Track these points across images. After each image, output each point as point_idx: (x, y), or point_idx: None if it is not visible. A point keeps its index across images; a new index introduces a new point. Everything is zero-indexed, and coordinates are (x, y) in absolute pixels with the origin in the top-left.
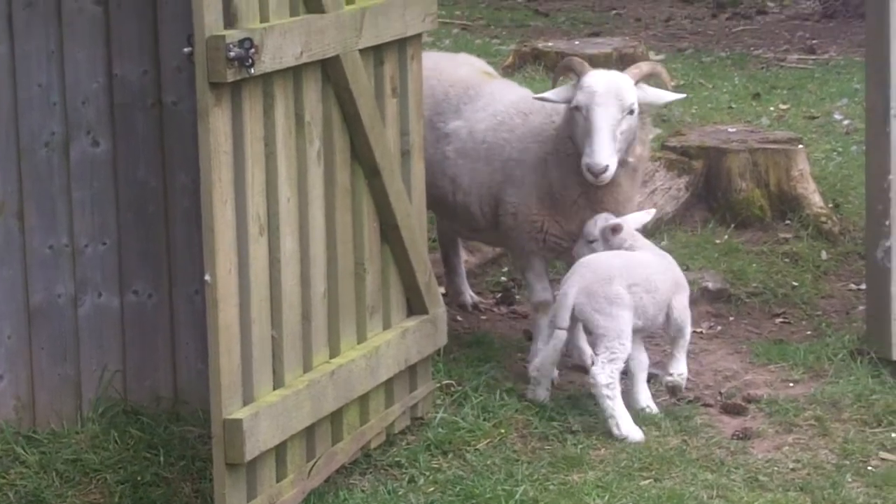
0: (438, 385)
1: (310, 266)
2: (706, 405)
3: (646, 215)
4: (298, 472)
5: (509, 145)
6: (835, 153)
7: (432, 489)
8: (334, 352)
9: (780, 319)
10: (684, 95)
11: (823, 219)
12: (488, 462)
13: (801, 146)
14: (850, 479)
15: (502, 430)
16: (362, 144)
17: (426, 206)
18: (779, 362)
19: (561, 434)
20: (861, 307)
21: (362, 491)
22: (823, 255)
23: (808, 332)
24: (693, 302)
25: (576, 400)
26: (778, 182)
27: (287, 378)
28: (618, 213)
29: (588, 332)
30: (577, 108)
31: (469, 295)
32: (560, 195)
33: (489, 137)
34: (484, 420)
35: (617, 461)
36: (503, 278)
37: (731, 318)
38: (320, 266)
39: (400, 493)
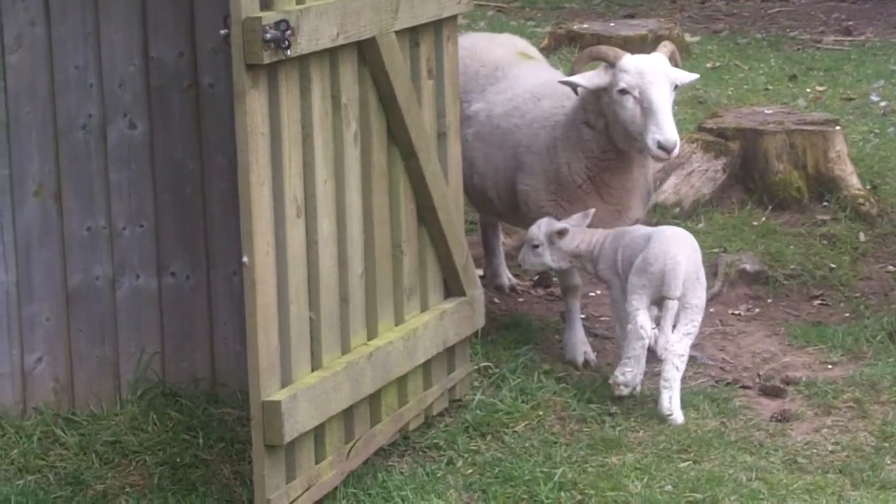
0: (476, 367)
1: (347, 247)
2: (744, 387)
3: (584, 217)
4: (337, 453)
5: (519, 131)
6: (872, 135)
7: (470, 471)
8: (372, 333)
9: (818, 301)
10: (697, 76)
11: (861, 200)
12: (526, 444)
13: (838, 128)
14: (888, 462)
15: (540, 412)
16: (398, 126)
17: None
18: (817, 344)
19: (599, 416)
20: None
21: (401, 473)
22: (861, 236)
23: (846, 314)
24: (731, 284)
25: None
26: (815, 163)
27: (325, 359)
28: (624, 200)
29: (662, 302)
30: (623, 91)
31: (507, 277)
32: (566, 180)
33: (503, 123)
34: (522, 402)
35: (655, 443)
36: None
37: (769, 301)
38: (357, 247)
39: (438, 474)
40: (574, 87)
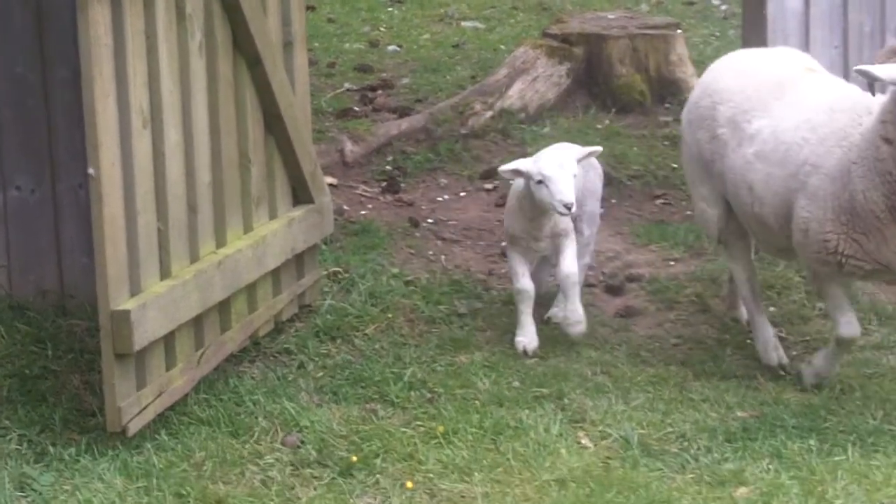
0: (326, 273)
1: (194, 157)
2: (589, 285)
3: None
4: (188, 361)
5: (808, 146)
6: (713, 38)
7: (321, 374)
8: (221, 242)
9: (661, 201)
10: None
11: None
12: (376, 346)
13: (679, 31)
14: (729, 353)
15: (390, 315)
16: (244, 35)
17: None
18: (659, 242)
19: (447, 317)
20: None
21: (252, 378)
22: None
23: (688, 213)
24: None
25: (460, 284)
26: (657, 67)
27: (174, 269)
28: None
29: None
30: None
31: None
32: (863, 210)
33: (788, 137)
34: (371, 306)
35: (503, 341)
36: (388, 167)
37: (613, 201)
38: (205, 158)
39: (290, 378)
40: (872, 78)
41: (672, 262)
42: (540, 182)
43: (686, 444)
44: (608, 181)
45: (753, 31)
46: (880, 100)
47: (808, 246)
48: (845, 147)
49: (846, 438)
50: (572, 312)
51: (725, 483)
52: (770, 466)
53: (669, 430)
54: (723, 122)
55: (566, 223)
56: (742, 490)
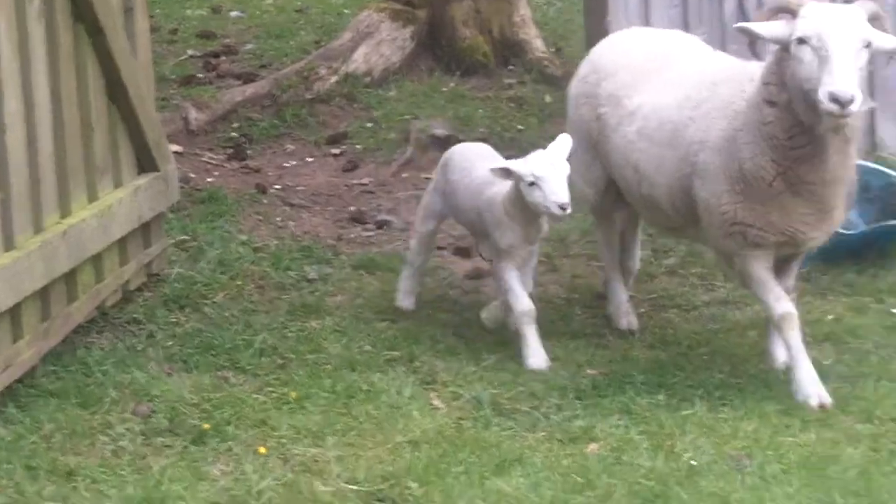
0: (173, 241)
1: (36, 127)
2: (439, 248)
3: None
4: (34, 332)
5: (694, 125)
6: None
7: (171, 343)
8: (65, 212)
9: None
10: None
11: (546, 63)
12: (226, 314)
13: None
14: (578, 312)
15: (239, 282)
16: (83, 3)
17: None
18: None
19: (297, 283)
20: None
21: (101, 349)
22: (547, 98)
23: None
24: (423, 149)
25: (309, 250)
26: (501, 29)
27: (18, 240)
28: (827, 197)
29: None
30: (801, 40)
31: (628, 320)
32: (753, 178)
33: (673, 116)
34: (220, 273)
35: (354, 306)
36: (233, 134)
37: None
38: (46, 127)
39: (139, 348)
40: (753, 36)
41: None
42: (532, 184)
43: (537, 402)
44: (455, 144)
45: None
46: (761, 66)
47: (713, 224)
48: (729, 116)
49: (694, 393)
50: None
51: (576, 440)
52: (620, 422)
53: (520, 389)
54: (604, 100)
55: (547, 225)
56: (593, 446)
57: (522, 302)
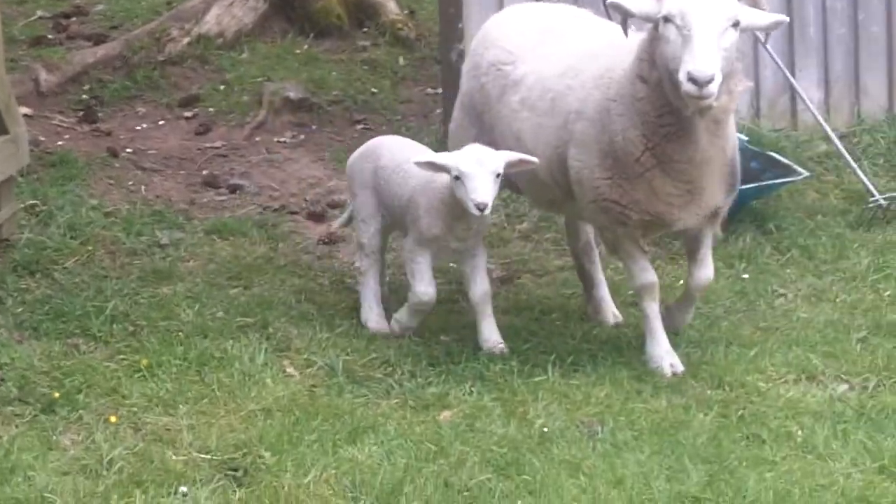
0: (22, 206)
1: None
2: (292, 213)
3: None
4: None
5: (572, 94)
6: None
7: (21, 309)
8: None
9: (361, 126)
10: (786, 18)
11: (399, 25)
12: (77, 280)
13: None
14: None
15: (90, 248)
16: None
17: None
18: None
19: (149, 248)
20: (438, 110)
21: None
22: (401, 61)
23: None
24: (276, 112)
25: (161, 215)
26: None
27: None
28: (695, 178)
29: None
30: (667, 18)
31: (613, 313)
32: (622, 152)
33: (554, 85)
34: (71, 238)
35: (206, 272)
36: (84, 96)
37: (314, 127)
38: None
39: None
40: (625, 13)
41: None
42: (457, 178)
43: (390, 369)
44: (308, 107)
45: None
46: (640, 38)
47: (585, 196)
48: (604, 87)
49: (546, 359)
50: (492, 334)
51: (430, 407)
52: (473, 389)
53: (374, 356)
54: (485, 69)
55: (489, 221)
56: (446, 413)
57: (427, 291)
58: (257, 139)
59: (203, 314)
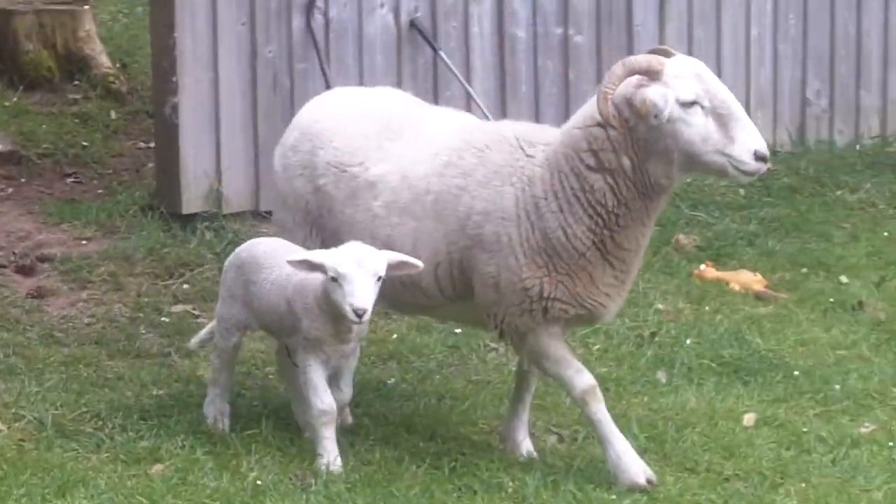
0: None
1: None
2: (0, 266)
3: None
4: None
5: (467, 194)
6: (121, 14)
7: None
8: None
9: (72, 179)
10: None
11: (111, 79)
12: None
13: (87, 7)
14: (143, 331)
15: None
16: None
17: None
18: (71, 221)
19: None
20: (150, 164)
21: None
22: (113, 114)
23: (100, 191)
24: None
25: None
26: (65, 43)
27: None
28: (632, 263)
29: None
30: (689, 103)
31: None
32: (563, 248)
33: (434, 186)
34: None
35: None
36: None
37: (23, 180)
38: None
39: None
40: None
41: (84, 241)
42: (334, 279)
43: (101, 423)
44: (17, 160)
45: (161, 6)
46: (528, 129)
47: (503, 301)
48: (518, 185)
49: (261, 412)
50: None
51: (141, 460)
52: (185, 443)
53: (84, 409)
54: (322, 170)
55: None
56: (158, 467)
57: (324, 400)
58: None
59: None
